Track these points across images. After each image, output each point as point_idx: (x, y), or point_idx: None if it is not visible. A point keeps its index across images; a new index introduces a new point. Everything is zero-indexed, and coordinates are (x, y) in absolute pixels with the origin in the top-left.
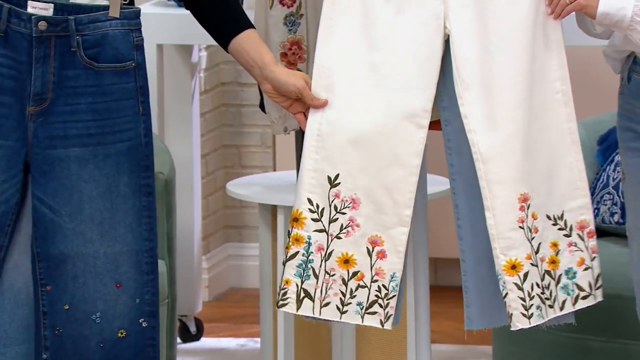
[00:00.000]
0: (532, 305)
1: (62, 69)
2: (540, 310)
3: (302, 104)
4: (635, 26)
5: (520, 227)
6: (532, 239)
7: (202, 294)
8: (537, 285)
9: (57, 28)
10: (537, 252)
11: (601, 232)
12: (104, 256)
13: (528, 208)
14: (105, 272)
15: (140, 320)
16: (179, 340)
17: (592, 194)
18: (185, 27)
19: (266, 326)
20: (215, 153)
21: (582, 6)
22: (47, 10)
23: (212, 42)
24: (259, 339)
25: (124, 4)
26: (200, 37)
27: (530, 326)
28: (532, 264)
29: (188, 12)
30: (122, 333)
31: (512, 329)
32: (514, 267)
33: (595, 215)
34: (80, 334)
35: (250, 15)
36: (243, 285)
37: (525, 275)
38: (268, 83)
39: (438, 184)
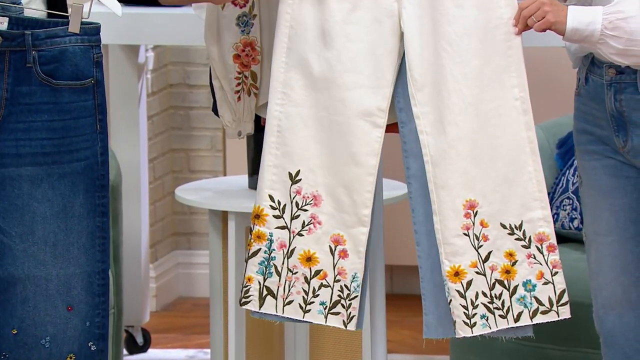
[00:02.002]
0: (475, 314)
1: (16, 85)
2: (487, 319)
3: None
4: (606, 39)
5: (465, 234)
6: (480, 247)
7: (150, 303)
8: (484, 294)
9: (12, 43)
10: (485, 261)
11: (561, 238)
12: (57, 278)
13: (475, 215)
14: (57, 295)
15: (89, 344)
16: (125, 352)
17: (552, 199)
18: (132, 27)
19: (216, 337)
20: (163, 157)
21: (550, 23)
22: (2, 23)
23: (160, 42)
24: (209, 350)
25: (84, 20)
26: (147, 37)
27: (472, 335)
28: (477, 272)
29: (135, 11)
30: (71, 357)
31: (455, 336)
32: (457, 274)
33: (555, 221)
34: (29, 359)
35: (202, 15)
36: (192, 295)
37: (469, 283)
38: None
39: (394, 188)
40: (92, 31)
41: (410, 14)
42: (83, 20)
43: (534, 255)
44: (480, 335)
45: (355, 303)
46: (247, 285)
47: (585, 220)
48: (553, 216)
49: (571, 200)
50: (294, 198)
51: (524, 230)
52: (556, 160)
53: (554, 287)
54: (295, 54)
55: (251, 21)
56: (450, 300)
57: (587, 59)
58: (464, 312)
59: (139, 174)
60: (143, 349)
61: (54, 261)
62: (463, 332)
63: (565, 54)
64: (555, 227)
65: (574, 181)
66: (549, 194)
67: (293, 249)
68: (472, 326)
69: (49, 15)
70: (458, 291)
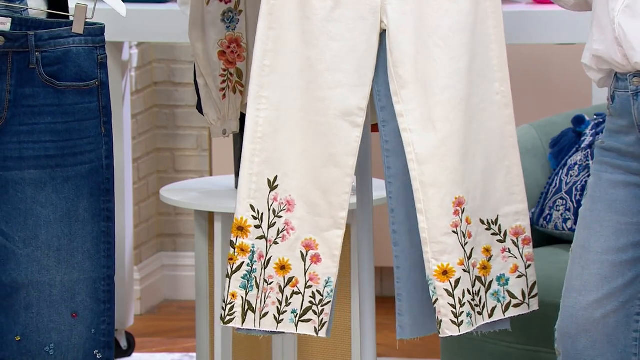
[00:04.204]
0: (462, 312)
1: (19, 87)
2: (470, 317)
3: None
4: None
5: (454, 232)
6: (466, 244)
7: (134, 306)
8: (469, 291)
9: (15, 44)
10: (469, 258)
11: (554, 240)
12: (61, 284)
13: (463, 212)
14: (61, 301)
15: (94, 352)
16: None
17: (545, 199)
18: (115, 24)
19: (202, 340)
20: (147, 157)
21: None
22: (5, 24)
23: (144, 39)
24: (194, 354)
25: (88, 20)
26: (131, 34)
27: (459, 334)
28: (464, 270)
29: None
30: None
31: (440, 336)
32: (445, 272)
33: (548, 222)
34: None
35: (187, 11)
36: (178, 297)
37: (457, 281)
38: None
39: (383, 188)
40: (96, 32)
41: (396, 10)
42: (87, 20)
43: (508, 249)
44: (459, 334)
45: (328, 309)
46: (232, 302)
47: (577, 235)
48: (546, 217)
49: (564, 201)
50: (271, 205)
51: (499, 225)
52: (549, 160)
53: (527, 279)
54: (276, 56)
55: (237, 17)
56: (437, 299)
57: (610, 77)
58: (452, 311)
59: (123, 174)
60: (127, 353)
61: (57, 266)
62: (450, 331)
63: (560, 52)
64: (548, 228)
65: (567, 181)
66: (542, 193)
67: (269, 259)
68: (459, 325)
69: (50, 15)
70: (446, 290)
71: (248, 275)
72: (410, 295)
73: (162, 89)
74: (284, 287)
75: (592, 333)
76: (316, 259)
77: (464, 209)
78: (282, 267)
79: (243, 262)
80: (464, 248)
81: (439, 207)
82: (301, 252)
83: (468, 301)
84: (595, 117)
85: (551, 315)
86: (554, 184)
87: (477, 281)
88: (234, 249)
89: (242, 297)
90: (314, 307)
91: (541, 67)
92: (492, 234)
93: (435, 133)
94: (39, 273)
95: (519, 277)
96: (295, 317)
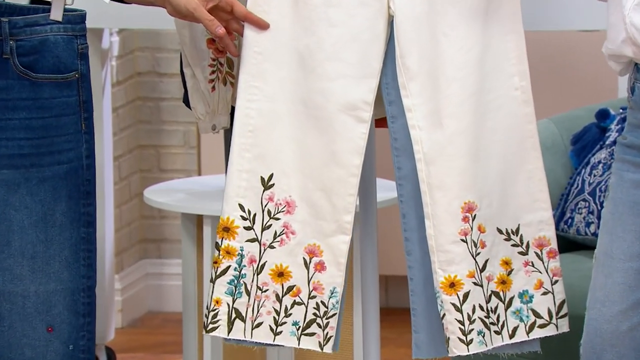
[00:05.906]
0: (472, 330)
1: None
2: (483, 336)
3: (224, 17)
4: None
5: (462, 240)
6: (478, 254)
7: (115, 319)
8: (481, 307)
9: None
10: (482, 270)
11: (575, 245)
12: (35, 295)
13: (474, 219)
14: (36, 314)
15: None
16: None
17: (566, 201)
18: (94, 9)
19: (190, 356)
20: (130, 155)
21: None
22: None
23: (126, 25)
24: None
25: (67, 6)
26: (111, 20)
27: (468, 353)
28: (474, 283)
29: None
30: None
31: (449, 355)
32: (452, 285)
33: (569, 226)
34: None
35: None
36: (163, 309)
37: (466, 295)
38: (169, 6)
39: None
40: (76, 19)
41: None
42: (66, 7)
43: (532, 262)
44: (468, 354)
45: (334, 322)
46: (215, 309)
47: (600, 240)
48: (567, 220)
49: (587, 203)
50: (265, 206)
51: (521, 235)
52: (571, 158)
53: (554, 297)
54: (269, 42)
55: None
56: (444, 314)
57: (630, 66)
58: (460, 328)
59: (102, 174)
60: None
61: (32, 276)
62: (458, 350)
63: (583, 39)
64: (569, 233)
65: (590, 181)
66: (562, 195)
67: (263, 264)
68: (468, 343)
69: (32, 1)
70: (453, 304)
71: (235, 281)
72: (426, 310)
73: (145, 80)
74: (283, 296)
75: (618, 348)
76: (320, 266)
77: (474, 215)
78: (280, 274)
79: (229, 266)
80: (475, 259)
81: (445, 212)
82: (304, 258)
83: (480, 318)
84: (621, 110)
85: (573, 327)
86: (575, 185)
87: (493, 296)
88: (219, 251)
89: (229, 304)
90: (319, 320)
91: (562, 56)
92: (513, 245)
93: (443, 130)
94: (10, 282)
95: (545, 294)
96: (298, 329)
